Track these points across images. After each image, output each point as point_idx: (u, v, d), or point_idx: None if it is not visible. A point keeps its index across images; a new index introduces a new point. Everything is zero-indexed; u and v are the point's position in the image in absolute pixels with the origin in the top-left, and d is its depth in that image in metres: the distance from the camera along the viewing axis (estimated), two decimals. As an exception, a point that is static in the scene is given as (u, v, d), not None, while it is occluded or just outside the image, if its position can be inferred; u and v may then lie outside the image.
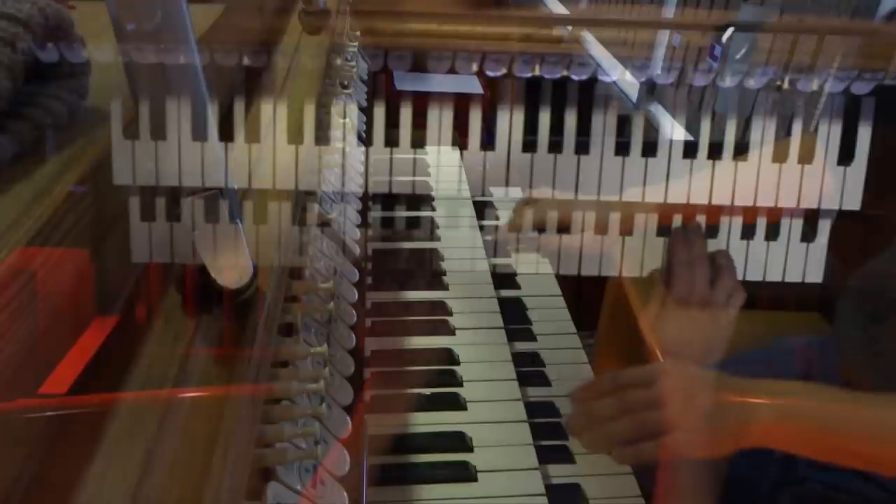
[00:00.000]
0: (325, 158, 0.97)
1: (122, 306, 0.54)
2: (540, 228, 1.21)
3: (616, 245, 0.81)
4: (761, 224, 0.66)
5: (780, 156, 0.64)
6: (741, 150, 0.64)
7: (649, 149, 0.64)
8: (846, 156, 0.62)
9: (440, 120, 0.64)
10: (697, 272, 0.94)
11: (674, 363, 0.88)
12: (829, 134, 0.61)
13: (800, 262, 0.67)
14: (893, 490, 0.98)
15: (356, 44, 1.42)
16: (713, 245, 1.01)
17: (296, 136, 0.63)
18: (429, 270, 1.17)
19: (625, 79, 3.23)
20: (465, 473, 0.82)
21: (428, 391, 0.93)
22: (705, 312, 0.94)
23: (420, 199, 1.36)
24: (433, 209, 1.35)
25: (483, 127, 0.65)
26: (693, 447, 0.81)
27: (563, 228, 1.06)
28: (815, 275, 0.67)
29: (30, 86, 0.55)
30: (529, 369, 1.00)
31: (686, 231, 0.95)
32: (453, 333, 1.04)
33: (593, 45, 3.47)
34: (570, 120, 0.62)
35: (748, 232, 0.68)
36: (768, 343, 1.31)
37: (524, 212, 1.21)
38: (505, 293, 1.15)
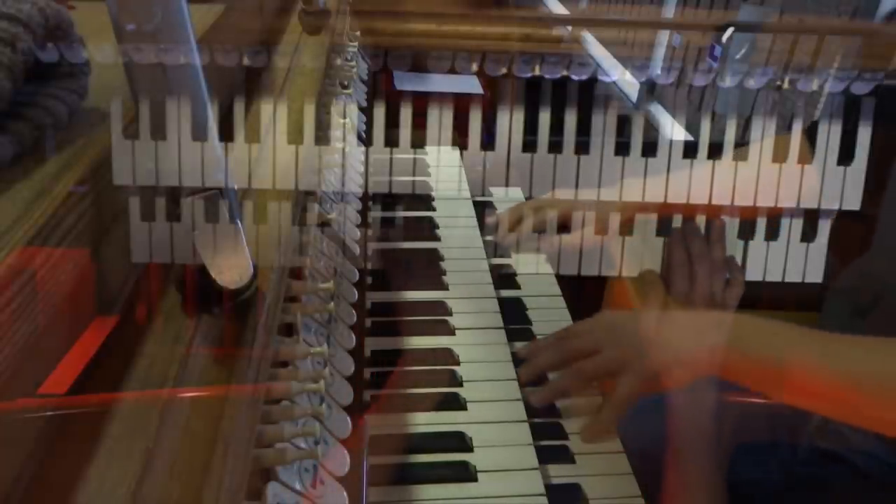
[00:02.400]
0: (325, 158, 0.97)
1: (122, 306, 0.54)
2: (540, 229, 1.22)
3: (615, 243, 0.82)
4: (761, 224, 0.67)
5: (774, 154, 0.64)
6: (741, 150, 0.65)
7: (649, 149, 0.64)
8: (846, 156, 0.62)
9: (440, 120, 0.64)
10: (696, 270, 0.94)
11: (613, 311, 0.91)
12: (829, 134, 0.62)
13: (800, 262, 0.67)
14: (889, 484, 0.98)
15: (356, 44, 1.42)
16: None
17: (296, 136, 0.63)
18: (429, 270, 1.17)
19: (625, 79, 3.23)
20: (465, 473, 0.82)
21: (428, 391, 0.93)
22: (703, 310, 0.95)
23: (420, 199, 1.36)
24: (433, 209, 1.35)
25: (483, 127, 0.65)
26: (643, 385, 0.82)
27: (563, 227, 1.07)
28: (815, 275, 0.67)
29: (30, 86, 0.55)
30: (529, 369, 1.00)
31: (685, 230, 0.96)
32: (453, 333, 1.04)
33: (593, 45, 3.47)
34: (570, 120, 0.62)
35: (748, 232, 0.68)
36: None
37: (523, 209, 1.22)
38: (505, 293, 1.15)
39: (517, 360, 1.00)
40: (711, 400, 0.88)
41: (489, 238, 1.27)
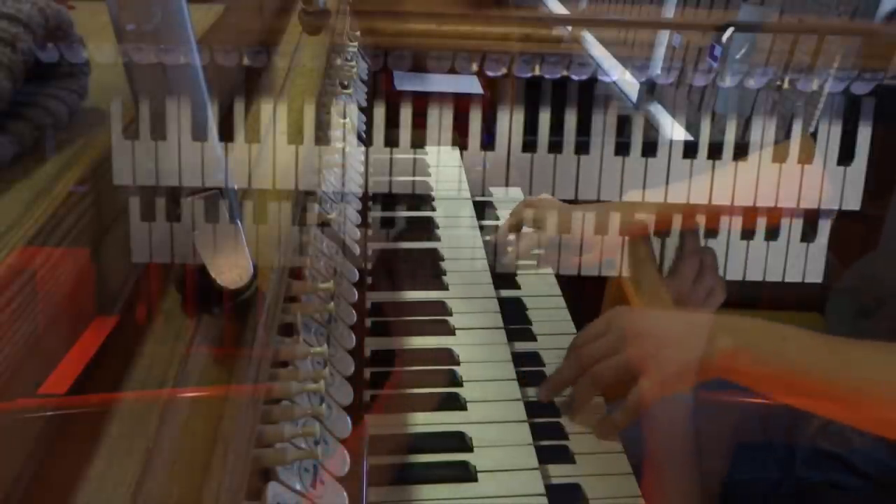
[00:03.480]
0: (325, 158, 0.97)
1: (122, 306, 0.54)
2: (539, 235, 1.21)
3: (616, 252, 0.82)
4: (761, 224, 0.67)
5: (779, 158, 0.64)
6: (741, 150, 0.65)
7: (649, 149, 0.64)
8: (846, 156, 0.62)
9: (440, 120, 0.64)
10: (680, 271, 0.95)
11: (624, 308, 0.90)
12: (829, 134, 0.62)
13: (800, 262, 0.67)
14: (889, 485, 0.98)
15: (356, 44, 1.42)
16: (711, 244, 1.02)
17: (296, 136, 0.63)
18: (429, 270, 1.17)
19: (625, 79, 3.23)
20: (465, 473, 0.82)
21: (428, 391, 0.93)
22: (684, 310, 0.95)
23: (420, 199, 1.36)
24: (433, 209, 1.35)
25: (483, 127, 0.65)
26: (660, 387, 0.82)
27: (564, 231, 1.07)
28: (815, 275, 0.67)
29: (30, 86, 0.55)
30: (529, 369, 1.00)
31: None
32: (453, 333, 1.04)
33: (593, 45, 3.47)
34: (570, 120, 0.62)
35: (748, 232, 0.68)
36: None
37: (524, 213, 1.22)
38: (505, 293, 1.15)
39: (516, 359, 1.00)
40: (686, 403, 0.88)
41: (489, 238, 1.27)
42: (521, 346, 1.04)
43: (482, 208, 1.36)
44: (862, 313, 1.03)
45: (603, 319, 0.91)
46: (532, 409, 0.92)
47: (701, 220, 0.91)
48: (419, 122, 0.64)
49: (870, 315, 1.02)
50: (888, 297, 0.99)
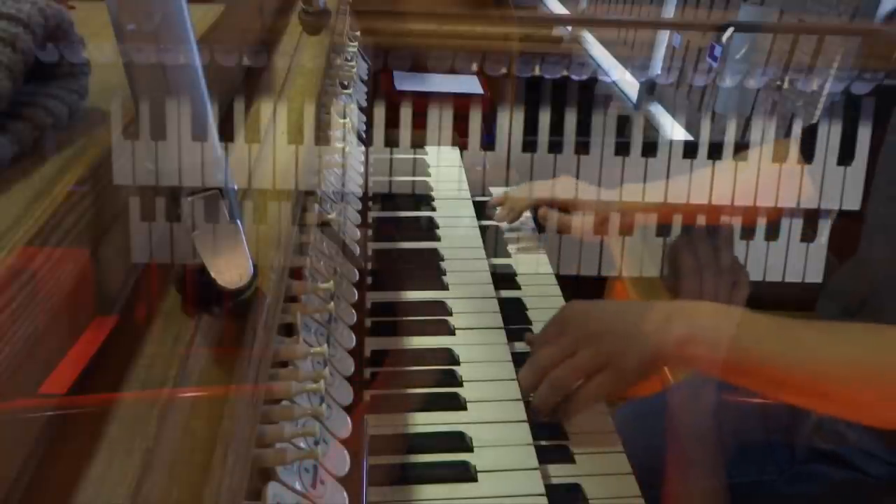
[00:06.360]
0: (325, 158, 0.97)
1: (122, 306, 0.54)
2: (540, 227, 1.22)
3: (615, 242, 0.82)
4: (761, 224, 0.67)
5: (778, 156, 0.64)
6: (741, 150, 0.65)
7: (649, 149, 0.64)
8: (846, 156, 0.62)
9: (440, 120, 0.64)
10: (704, 276, 0.94)
11: (576, 304, 0.90)
12: (829, 134, 0.62)
13: (800, 262, 0.67)
14: (885, 481, 0.98)
15: (356, 44, 1.42)
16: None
17: (296, 136, 0.63)
18: (429, 270, 1.17)
19: (625, 79, 3.24)
20: (465, 473, 0.82)
21: (428, 391, 0.93)
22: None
23: (420, 199, 1.36)
24: (433, 209, 1.35)
25: (483, 127, 0.65)
26: (621, 381, 0.82)
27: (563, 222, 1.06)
28: (815, 275, 0.67)
29: (30, 86, 0.55)
30: (529, 369, 1.00)
31: (693, 236, 0.95)
32: (453, 333, 1.04)
33: (593, 45, 3.48)
34: (570, 120, 0.62)
35: (748, 232, 0.68)
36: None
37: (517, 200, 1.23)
38: (505, 293, 1.15)
39: (516, 359, 1.00)
40: (710, 399, 0.87)
41: (490, 220, 1.28)
42: (522, 346, 1.04)
43: (482, 208, 1.36)
44: (845, 314, 1.03)
45: (557, 318, 0.91)
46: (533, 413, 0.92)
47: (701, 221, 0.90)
48: (419, 122, 0.64)
49: (853, 316, 1.02)
50: (870, 299, 0.99)
